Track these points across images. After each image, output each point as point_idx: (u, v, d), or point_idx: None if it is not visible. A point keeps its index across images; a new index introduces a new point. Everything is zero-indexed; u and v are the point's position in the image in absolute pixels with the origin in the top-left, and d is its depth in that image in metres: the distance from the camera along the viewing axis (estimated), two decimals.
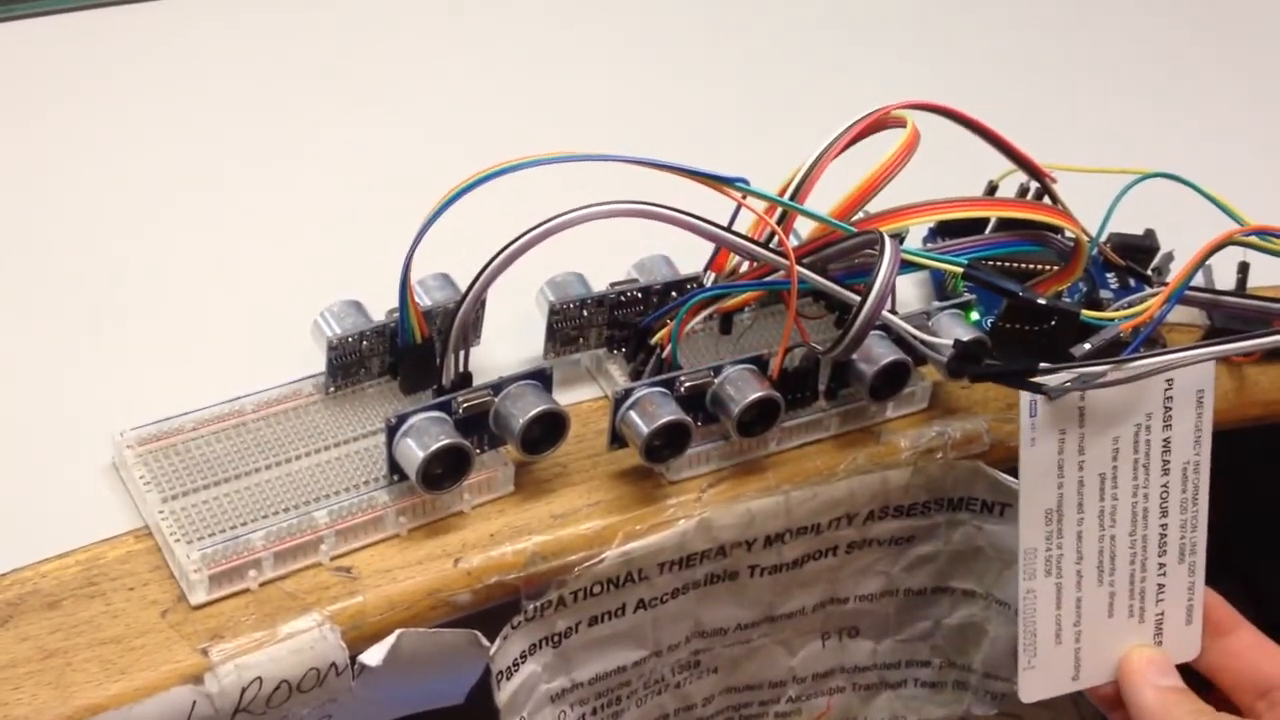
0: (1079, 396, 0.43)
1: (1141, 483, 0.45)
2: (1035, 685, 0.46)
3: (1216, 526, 0.87)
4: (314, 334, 0.46)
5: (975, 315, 0.49)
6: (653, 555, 0.46)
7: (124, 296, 0.50)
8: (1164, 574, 0.45)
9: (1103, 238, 0.51)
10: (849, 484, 0.48)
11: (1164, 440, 0.44)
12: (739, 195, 0.44)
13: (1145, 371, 0.43)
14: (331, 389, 0.45)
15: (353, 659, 0.41)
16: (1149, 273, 0.53)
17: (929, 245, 0.52)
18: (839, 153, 0.45)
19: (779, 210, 0.45)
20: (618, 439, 0.45)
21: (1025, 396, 0.43)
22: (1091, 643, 0.45)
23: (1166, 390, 0.44)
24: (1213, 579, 0.84)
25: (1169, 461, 0.45)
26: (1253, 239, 0.49)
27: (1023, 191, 0.53)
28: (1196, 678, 0.47)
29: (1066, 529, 0.44)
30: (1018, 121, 0.49)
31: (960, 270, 0.46)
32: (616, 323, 0.48)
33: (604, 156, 0.43)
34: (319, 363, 0.45)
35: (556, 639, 0.46)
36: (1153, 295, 0.47)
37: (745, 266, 0.47)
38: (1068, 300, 0.51)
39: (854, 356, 0.46)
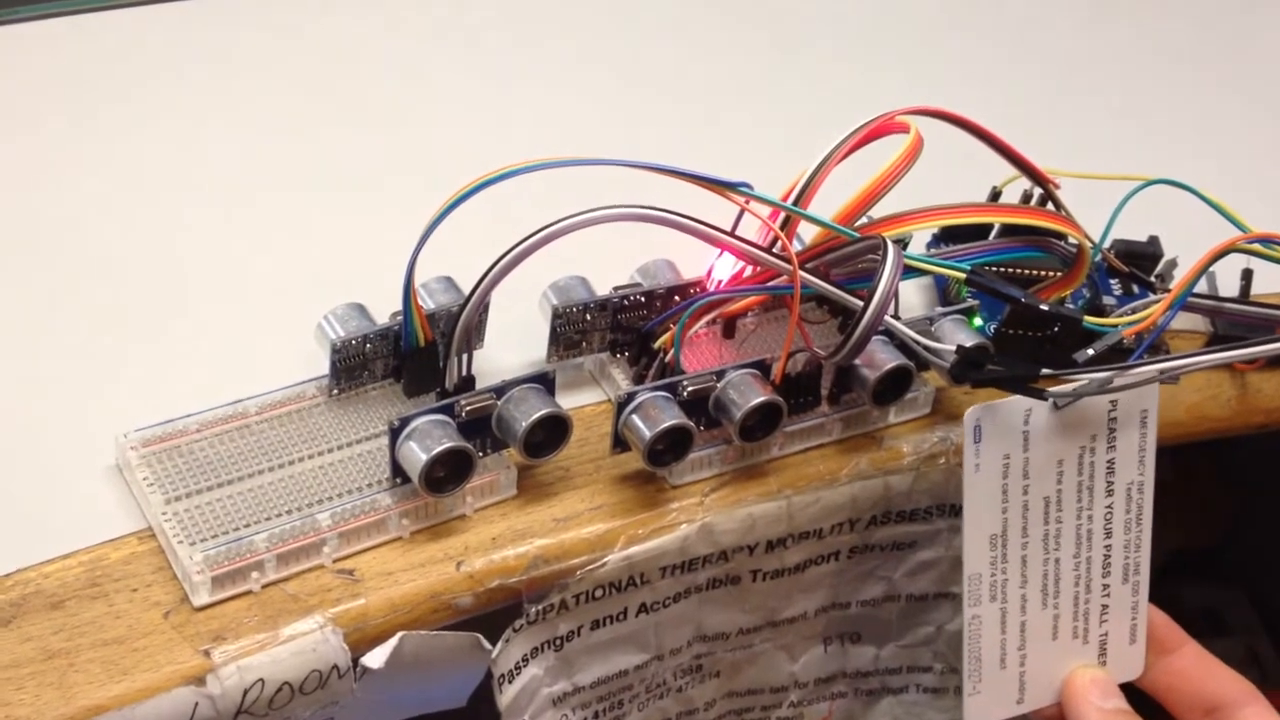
0: (1023, 421, 0.43)
1: (1086, 505, 0.45)
2: (979, 710, 0.46)
3: (1219, 534, 0.87)
4: (317, 337, 0.46)
5: (978, 321, 0.49)
6: (655, 559, 0.46)
7: (128, 299, 0.50)
8: (1108, 595, 0.46)
9: (1106, 244, 0.51)
10: (851, 489, 0.48)
11: (1108, 462, 0.44)
12: (743, 200, 0.44)
13: (1148, 377, 0.43)
14: (335, 392, 0.45)
15: (355, 661, 0.41)
16: (1152, 279, 0.53)
17: (932, 251, 0.52)
18: (843, 158, 0.45)
19: (782, 215, 0.45)
20: (620, 443, 0.45)
21: (968, 422, 0.43)
22: (1036, 665, 0.45)
23: (1110, 412, 0.44)
24: (1214, 587, 0.84)
25: (1113, 483, 0.45)
26: (1256, 246, 0.49)
27: (1026, 197, 0.53)
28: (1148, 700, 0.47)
29: (1011, 554, 0.44)
30: (1021, 127, 0.49)
31: (963, 276, 0.46)
32: (619, 327, 0.48)
33: (608, 161, 0.43)
34: (322, 365, 0.45)
35: (558, 642, 0.46)
36: (1156, 302, 0.47)
37: (748, 271, 0.47)
38: (1070, 306, 0.51)
39: (857, 361, 0.46)
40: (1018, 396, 0.43)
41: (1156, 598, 0.85)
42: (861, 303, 0.43)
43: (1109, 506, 0.45)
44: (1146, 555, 0.46)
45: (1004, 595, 0.44)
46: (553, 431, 0.44)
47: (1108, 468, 0.44)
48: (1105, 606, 0.46)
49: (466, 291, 0.44)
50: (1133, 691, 0.47)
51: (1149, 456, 0.45)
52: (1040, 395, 0.43)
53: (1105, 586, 0.45)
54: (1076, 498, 0.44)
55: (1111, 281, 0.54)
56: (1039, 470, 0.44)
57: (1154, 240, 0.54)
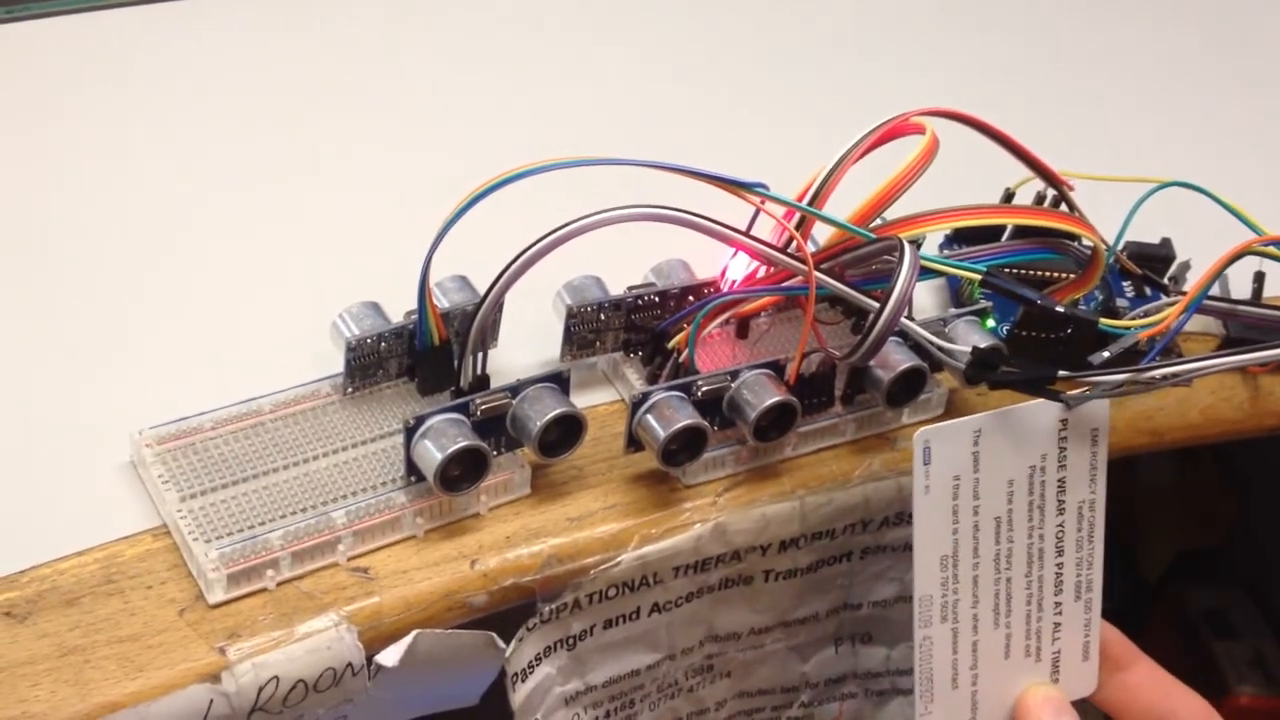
0: (972, 442, 0.43)
1: (1037, 524, 0.44)
2: None
3: (1223, 536, 0.87)
4: (332, 335, 0.46)
5: (991, 323, 0.49)
6: (668, 559, 0.46)
7: (143, 297, 0.50)
8: (1060, 613, 0.45)
9: (1120, 246, 0.51)
10: (864, 490, 0.48)
11: (1059, 480, 0.44)
12: (758, 200, 0.44)
13: (1164, 380, 0.43)
14: (349, 390, 0.46)
15: (369, 659, 0.41)
16: (1165, 282, 0.53)
17: (945, 252, 0.53)
18: (858, 159, 0.45)
19: (797, 216, 0.45)
20: (634, 442, 0.45)
21: (917, 444, 0.42)
22: (988, 685, 0.45)
23: (1060, 431, 0.43)
24: (1219, 589, 0.84)
25: (1064, 501, 0.44)
26: (1270, 249, 0.49)
27: (1040, 199, 0.53)
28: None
29: (962, 574, 0.44)
30: (1036, 129, 0.49)
31: (978, 277, 0.46)
32: (634, 326, 0.48)
33: (622, 161, 0.43)
34: (337, 364, 0.45)
35: (571, 641, 0.46)
36: (1170, 304, 0.47)
37: (762, 272, 0.47)
38: (1084, 309, 0.51)
39: (871, 362, 0.46)
40: (966, 417, 0.42)
41: (1161, 600, 0.85)
42: (876, 304, 0.43)
43: (1060, 525, 0.44)
44: (1099, 572, 0.46)
45: (955, 616, 0.44)
46: (567, 431, 0.44)
47: (1059, 486, 0.44)
48: (1058, 624, 0.45)
49: (481, 291, 0.44)
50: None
51: (1100, 474, 0.44)
52: (1055, 397, 0.43)
53: (1058, 605, 0.45)
54: (1028, 517, 0.44)
55: (1125, 284, 0.54)
56: (989, 490, 0.43)
57: (1166, 243, 0.54)
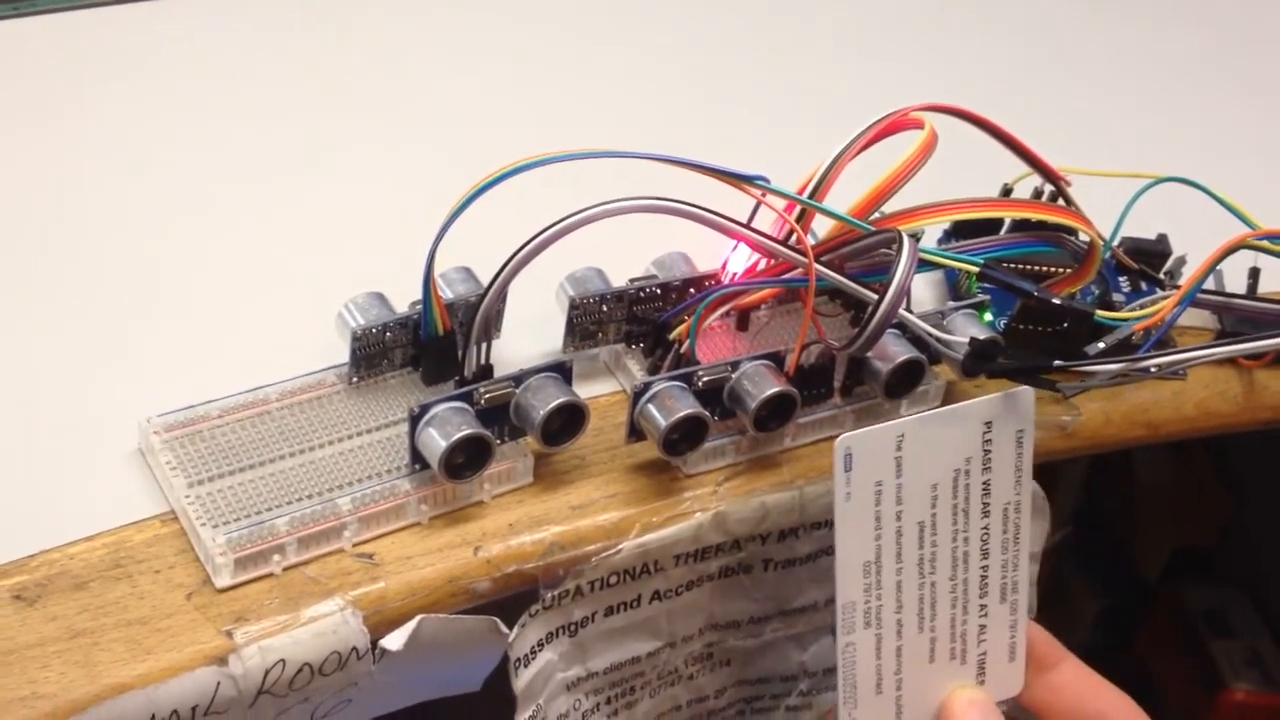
0: (894, 447, 0.42)
1: (961, 527, 0.44)
2: None
3: (1219, 534, 0.87)
4: (338, 325, 0.46)
5: (989, 316, 0.50)
6: (668, 547, 0.46)
7: (152, 288, 0.51)
8: (985, 615, 0.45)
9: (1116, 241, 0.52)
10: None
11: (984, 483, 0.44)
12: (759, 192, 0.45)
13: (1157, 370, 0.43)
14: (354, 379, 0.46)
15: (374, 643, 0.42)
16: (1161, 276, 0.53)
17: (943, 246, 0.53)
18: (857, 153, 0.46)
19: (798, 208, 0.46)
20: (636, 432, 0.45)
21: (838, 451, 0.42)
22: (913, 689, 0.45)
23: (985, 434, 0.43)
24: (1216, 587, 0.84)
25: (989, 504, 0.44)
26: (1265, 243, 0.49)
27: (1037, 194, 0.53)
28: None
29: (885, 580, 0.44)
30: (1033, 125, 0.49)
31: (976, 269, 0.46)
32: (635, 318, 0.49)
33: (625, 154, 0.44)
34: (342, 353, 0.46)
35: (573, 628, 0.47)
36: (1165, 298, 0.48)
37: (762, 264, 0.47)
38: (1080, 301, 0.51)
39: (869, 354, 0.47)
40: (888, 423, 0.42)
41: (1160, 598, 0.85)
42: (875, 296, 0.43)
43: (985, 527, 0.44)
44: (1025, 573, 0.45)
45: (879, 621, 0.44)
46: (570, 420, 0.45)
47: (984, 489, 0.44)
48: (983, 626, 0.45)
49: (485, 282, 0.44)
50: None
51: (1026, 476, 0.44)
52: (1051, 387, 0.43)
53: (983, 607, 0.45)
54: (952, 520, 0.44)
55: (1121, 279, 0.55)
56: (913, 495, 0.43)
57: (1162, 238, 0.55)
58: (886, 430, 0.42)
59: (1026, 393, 0.43)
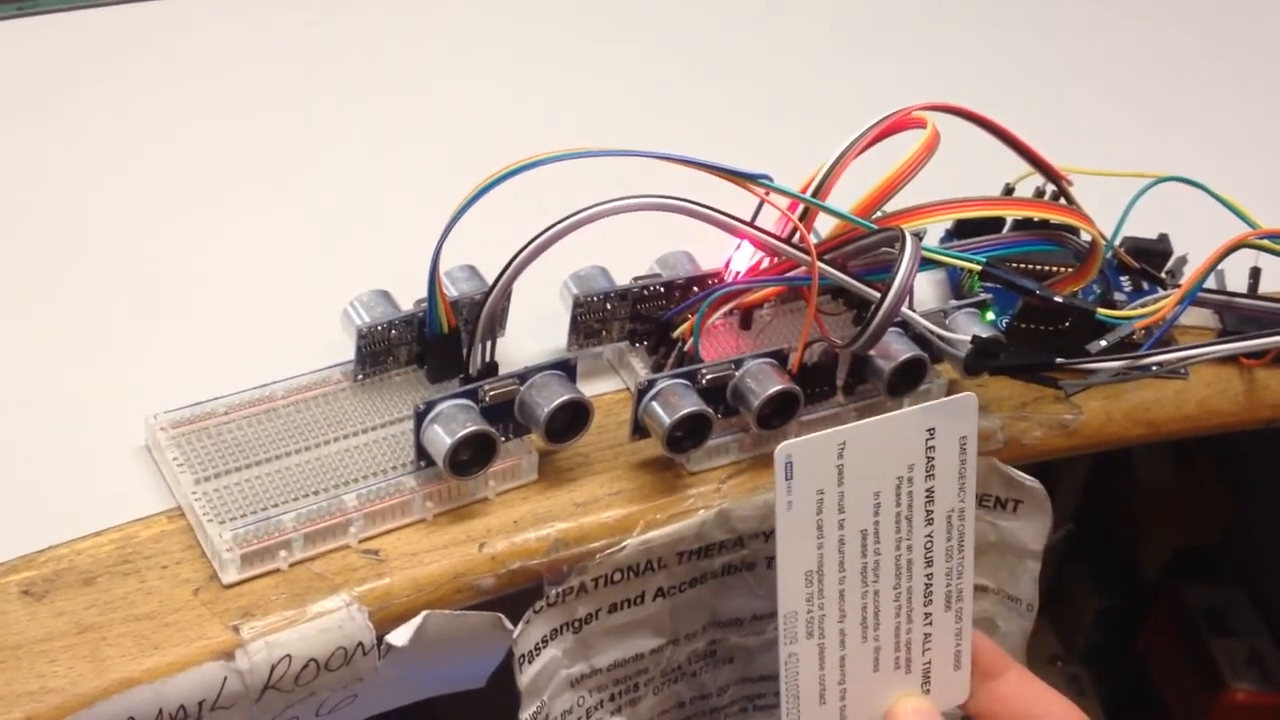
0: (836, 455, 0.42)
1: (905, 535, 0.44)
2: None
3: (1219, 533, 0.87)
4: (343, 323, 0.46)
5: (991, 315, 0.50)
6: (672, 544, 0.46)
7: (159, 286, 0.51)
8: (930, 623, 0.45)
9: (1117, 241, 0.52)
10: None
11: (927, 490, 0.44)
12: (762, 191, 0.45)
13: (1158, 368, 0.43)
14: (360, 376, 0.46)
15: (379, 639, 0.42)
16: (1163, 275, 0.54)
17: (945, 245, 0.53)
18: (860, 152, 0.46)
19: (801, 207, 0.46)
20: (640, 429, 0.46)
21: (779, 459, 0.41)
22: (857, 699, 0.45)
23: (928, 440, 0.43)
24: (1216, 586, 0.85)
25: (932, 511, 0.44)
26: (1265, 242, 0.50)
27: (1039, 194, 0.54)
28: None
29: (828, 589, 0.43)
30: (1035, 125, 0.49)
31: (979, 268, 0.46)
32: (639, 316, 0.49)
33: (629, 152, 0.44)
34: (348, 351, 0.46)
35: (577, 625, 0.47)
36: (1166, 297, 0.48)
37: (766, 263, 0.48)
38: (1082, 300, 0.52)
39: (872, 352, 0.47)
40: (829, 430, 0.42)
41: (1160, 598, 0.85)
42: (878, 294, 0.44)
43: (929, 535, 0.44)
44: (969, 581, 0.45)
45: (821, 631, 0.43)
46: (574, 417, 0.45)
47: (927, 496, 0.44)
48: (928, 635, 0.45)
49: (489, 280, 0.44)
50: None
51: (969, 483, 0.44)
52: (1053, 384, 0.44)
53: (927, 615, 0.45)
54: (895, 529, 0.44)
55: (1122, 278, 0.55)
56: (855, 504, 0.43)
57: (1164, 238, 0.55)
58: (828, 438, 0.42)
59: (969, 398, 0.43)
